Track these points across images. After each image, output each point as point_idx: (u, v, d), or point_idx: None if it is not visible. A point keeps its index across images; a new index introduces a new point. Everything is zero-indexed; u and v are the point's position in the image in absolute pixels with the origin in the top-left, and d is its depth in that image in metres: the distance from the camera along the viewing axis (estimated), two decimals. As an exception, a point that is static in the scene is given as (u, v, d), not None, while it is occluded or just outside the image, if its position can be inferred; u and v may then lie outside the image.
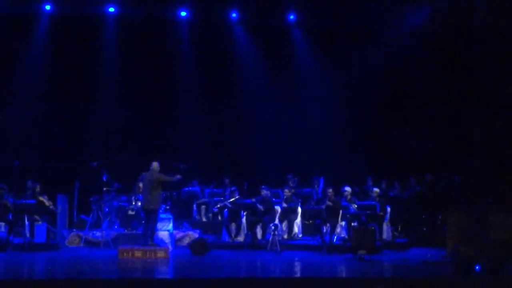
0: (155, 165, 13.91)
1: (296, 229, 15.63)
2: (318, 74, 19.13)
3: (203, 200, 16.91)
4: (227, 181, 17.05)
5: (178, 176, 14.07)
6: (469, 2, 15.87)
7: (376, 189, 15.43)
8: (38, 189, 14.82)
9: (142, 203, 14.04)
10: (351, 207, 14.66)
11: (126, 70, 18.29)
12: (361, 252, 12.73)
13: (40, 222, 14.50)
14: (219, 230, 15.72)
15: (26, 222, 14.05)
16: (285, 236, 15.31)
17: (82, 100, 18.02)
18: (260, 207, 14.94)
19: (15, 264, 11.82)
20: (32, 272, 11.28)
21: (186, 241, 14.62)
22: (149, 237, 13.54)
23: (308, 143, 18.56)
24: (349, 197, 15.03)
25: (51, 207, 14.75)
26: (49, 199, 14.88)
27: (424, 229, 15.84)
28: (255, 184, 15.91)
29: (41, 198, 14.63)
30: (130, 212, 14.94)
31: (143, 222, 14.04)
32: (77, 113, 18.02)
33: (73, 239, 14.60)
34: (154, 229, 13.75)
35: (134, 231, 14.59)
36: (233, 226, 15.25)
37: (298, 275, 11.22)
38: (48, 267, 11.74)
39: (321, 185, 16.83)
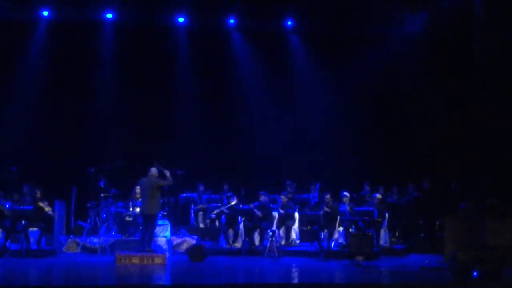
0: (153, 170, 13.92)
1: (293, 235, 15.61)
2: (316, 80, 19.17)
3: (200, 206, 16.91)
4: (225, 187, 17.08)
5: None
6: (467, 6, 15.89)
7: (378, 195, 15.44)
8: (38, 194, 14.78)
9: (141, 208, 14.01)
10: (348, 212, 14.65)
11: (124, 76, 18.31)
12: (359, 258, 12.73)
13: (36, 229, 14.45)
14: (217, 236, 15.70)
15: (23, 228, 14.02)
16: (283, 242, 15.29)
17: (80, 106, 18.04)
18: (258, 213, 14.93)
19: (12, 271, 11.79)
20: (29, 278, 11.25)
21: (184, 247, 14.60)
22: (146, 243, 13.53)
23: (306, 148, 18.58)
24: (347, 202, 15.04)
25: (50, 212, 14.71)
26: (49, 204, 14.84)
27: (422, 235, 15.84)
28: (254, 190, 15.91)
29: (40, 204, 14.60)
30: (127, 218, 14.92)
31: (141, 228, 14.03)
32: (74, 119, 18.03)
33: (70, 245, 14.57)
34: (152, 235, 13.74)
35: (132, 237, 14.55)
36: (230, 232, 15.23)
37: (296, 281, 11.22)
38: (46, 273, 11.72)
39: (317, 190, 16.83)
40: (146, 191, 13.78)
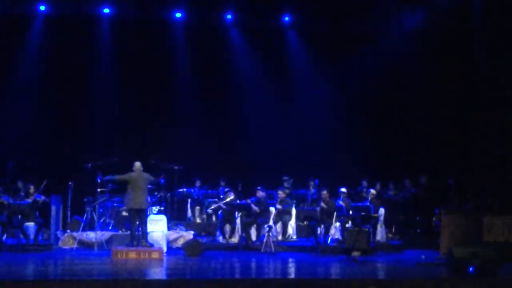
0: (139, 165, 13.84)
1: (290, 230, 15.64)
2: (314, 76, 19.17)
3: (195, 196, 16.95)
4: (222, 182, 17.08)
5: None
6: (466, 4, 15.90)
7: (372, 190, 15.45)
8: (32, 189, 14.76)
9: (135, 203, 13.63)
10: (344, 208, 14.66)
11: (121, 71, 18.28)
12: (355, 253, 12.75)
13: (32, 223, 14.43)
14: (214, 231, 15.72)
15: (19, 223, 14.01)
16: (280, 237, 15.32)
17: (77, 101, 18.01)
18: (255, 208, 14.92)
19: (8, 265, 11.76)
20: (25, 273, 11.23)
21: (180, 242, 14.57)
22: (142, 237, 13.50)
23: (304, 144, 18.59)
24: (344, 198, 15.04)
25: (41, 198, 14.66)
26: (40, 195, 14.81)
27: (418, 230, 15.86)
28: (251, 185, 15.91)
29: (31, 198, 14.58)
30: (124, 213, 14.89)
31: (130, 222, 13.87)
32: (72, 114, 18.02)
33: (67, 240, 14.55)
34: (146, 229, 13.71)
35: (128, 232, 14.52)
36: (227, 227, 15.24)
37: (292, 276, 11.22)
38: (42, 268, 11.72)
39: (316, 186, 16.86)
40: (142, 186, 13.71)
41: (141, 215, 13.66)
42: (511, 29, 14.49)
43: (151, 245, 13.50)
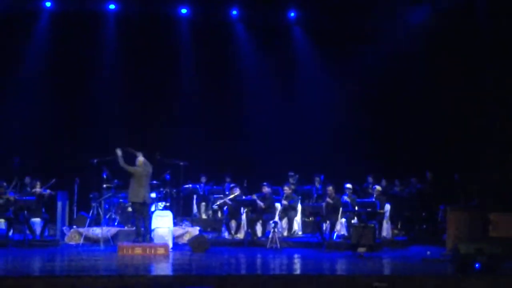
0: (142, 159, 13.83)
1: (296, 226, 15.62)
2: (319, 71, 19.13)
3: (201, 192, 16.97)
4: (228, 178, 17.09)
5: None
6: (467, 3, 15.85)
7: (378, 187, 15.43)
8: (38, 186, 14.79)
9: (138, 197, 13.61)
10: (350, 204, 14.65)
11: (126, 67, 18.31)
12: (361, 249, 12.75)
13: (38, 219, 14.48)
14: (219, 227, 15.73)
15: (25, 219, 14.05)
16: (285, 233, 15.31)
17: (83, 97, 18.05)
18: (261, 204, 14.92)
19: (14, 261, 11.82)
20: (32, 268, 11.28)
21: (186, 238, 14.59)
22: (147, 232, 13.52)
23: (309, 141, 18.57)
24: (350, 194, 15.03)
25: (47, 191, 14.66)
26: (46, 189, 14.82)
27: (424, 227, 15.85)
28: (257, 181, 15.91)
29: (38, 191, 14.60)
30: (129, 209, 14.91)
31: (134, 218, 13.91)
32: (77, 110, 18.07)
33: (73, 236, 14.58)
34: (149, 224, 13.73)
35: (134, 228, 14.56)
36: (233, 223, 15.24)
37: (298, 272, 11.24)
38: (49, 263, 11.76)
39: (321, 182, 16.85)
40: (145, 180, 13.70)
41: (144, 210, 13.67)
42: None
43: (152, 240, 13.49)
